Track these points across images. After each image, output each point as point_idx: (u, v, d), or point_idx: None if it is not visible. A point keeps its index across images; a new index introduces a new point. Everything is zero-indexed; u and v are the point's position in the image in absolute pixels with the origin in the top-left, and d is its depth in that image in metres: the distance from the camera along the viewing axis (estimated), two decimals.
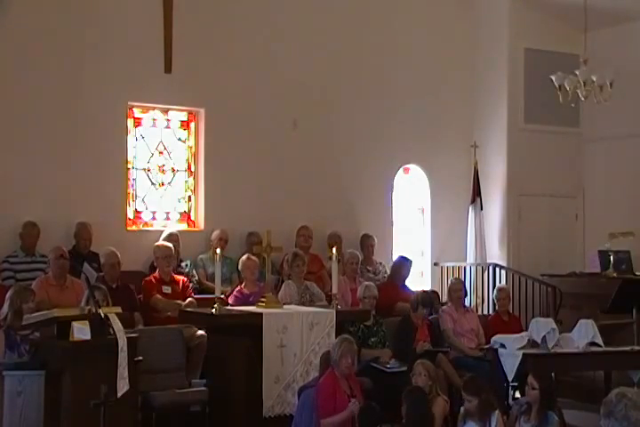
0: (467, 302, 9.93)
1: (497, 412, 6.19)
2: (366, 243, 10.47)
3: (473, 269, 11.19)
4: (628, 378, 8.08)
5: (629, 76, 10.77)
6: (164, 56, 9.65)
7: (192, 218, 10.11)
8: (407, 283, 9.99)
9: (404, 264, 9.94)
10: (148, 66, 9.60)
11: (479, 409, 6.07)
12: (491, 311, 10.19)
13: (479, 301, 10.89)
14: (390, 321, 8.88)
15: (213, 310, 7.23)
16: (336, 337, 7.16)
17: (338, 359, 6.43)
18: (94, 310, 6.13)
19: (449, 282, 9.89)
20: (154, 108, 9.95)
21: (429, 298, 9.01)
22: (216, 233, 9.67)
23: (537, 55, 11.67)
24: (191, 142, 10.15)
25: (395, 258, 10.51)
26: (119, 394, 5.89)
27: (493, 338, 8.28)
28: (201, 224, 10.00)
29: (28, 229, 8.74)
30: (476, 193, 11.35)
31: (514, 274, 10.98)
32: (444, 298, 9.98)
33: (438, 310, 9.24)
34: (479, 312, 10.33)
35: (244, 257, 8.64)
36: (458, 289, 9.34)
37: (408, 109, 11.29)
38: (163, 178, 10.01)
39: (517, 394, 7.86)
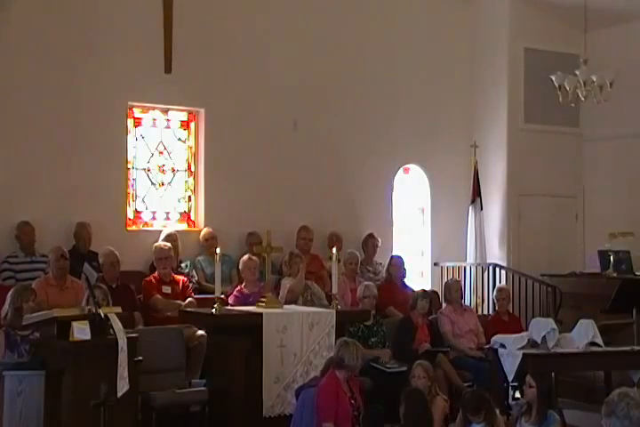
0: (467, 302, 9.92)
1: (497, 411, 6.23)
2: (370, 242, 10.45)
3: (473, 269, 11.19)
4: (628, 378, 8.08)
5: (629, 76, 10.78)
6: (164, 56, 9.65)
7: (192, 218, 10.11)
8: (408, 283, 10.02)
9: (390, 263, 9.94)
10: (148, 66, 9.59)
11: (486, 419, 6.09)
12: (491, 311, 10.20)
13: (479, 301, 10.90)
14: (390, 321, 8.89)
15: (213, 310, 7.23)
16: (336, 337, 7.18)
17: (355, 364, 6.46)
18: (94, 310, 6.13)
19: (446, 282, 9.88)
20: (154, 108, 9.95)
21: (428, 292, 9.04)
22: (202, 234, 9.71)
23: (537, 55, 11.67)
24: (191, 142, 10.15)
25: None
26: (119, 394, 5.90)
27: (493, 338, 8.28)
28: (201, 224, 10.00)
29: (22, 229, 8.73)
30: (476, 193, 11.34)
31: (514, 274, 10.98)
32: (443, 298, 9.97)
33: (438, 310, 9.26)
34: (479, 312, 10.34)
35: (246, 257, 8.63)
36: (455, 289, 9.35)
37: (408, 109, 11.29)
38: (163, 178, 10.01)
39: (517, 394, 7.86)
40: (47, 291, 7.76)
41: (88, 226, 9.02)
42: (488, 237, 11.47)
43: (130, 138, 9.72)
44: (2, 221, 8.73)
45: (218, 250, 7.67)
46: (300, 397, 6.57)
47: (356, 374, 6.65)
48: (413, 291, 9.37)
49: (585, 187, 12.18)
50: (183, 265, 9.37)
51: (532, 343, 8.02)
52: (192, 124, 10.15)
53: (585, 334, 8.10)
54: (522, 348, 7.93)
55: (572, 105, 9.96)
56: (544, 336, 7.97)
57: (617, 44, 11.42)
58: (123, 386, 5.98)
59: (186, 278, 8.82)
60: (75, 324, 6.02)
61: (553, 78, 9.80)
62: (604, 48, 10.80)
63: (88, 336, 6.01)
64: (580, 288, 10.61)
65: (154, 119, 9.98)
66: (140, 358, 6.51)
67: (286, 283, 8.52)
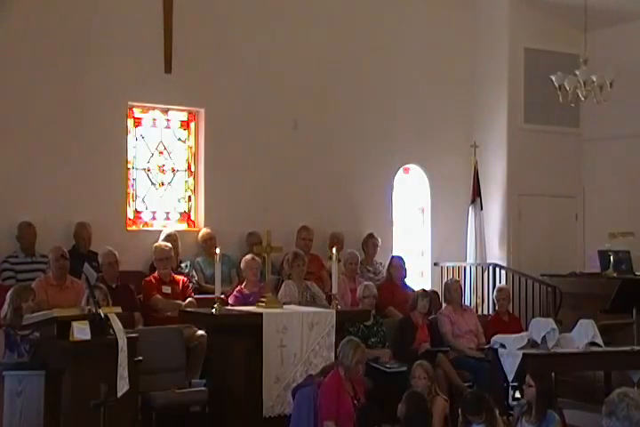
0: (467, 302, 9.90)
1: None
2: (370, 242, 10.44)
3: (473, 269, 11.19)
4: (628, 378, 8.08)
5: (629, 76, 10.78)
6: (164, 56, 9.65)
7: (192, 218, 10.11)
8: (408, 283, 10.02)
9: (390, 263, 9.94)
10: (148, 66, 9.60)
11: (486, 419, 6.09)
12: (491, 311, 10.19)
13: (479, 301, 10.90)
14: (390, 321, 8.89)
15: (213, 310, 7.22)
16: (336, 337, 7.18)
17: (353, 365, 6.42)
18: (94, 310, 6.13)
19: (446, 282, 9.87)
20: (154, 108, 9.95)
21: (428, 292, 9.04)
22: (200, 235, 9.70)
23: (537, 55, 11.67)
24: (191, 142, 10.15)
25: None
26: (119, 394, 5.89)
27: (493, 338, 8.27)
28: (201, 224, 10.00)
29: (23, 230, 8.73)
30: (476, 193, 11.35)
31: (514, 274, 10.98)
32: (443, 298, 9.97)
33: (438, 310, 9.25)
34: (479, 312, 10.34)
35: (249, 257, 8.61)
36: (455, 289, 9.34)
37: (408, 109, 11.29)
38: (163, 178, 10.01)
39: (517, 394, 7.86)
40: (47, 291, 7.77)
41: (88, 226, 9.02)
42: (488, 237, 11.47)
43: (130, 138, 9.72)
44: (2, 221, 8.74)
45: (217, 250, 7.65)
46: (295, 397, 6.56)
47: (358, 377, 6.60)
48: (413, 291, 9.37)
49: (585, 187, 12.18)
50: (183, 265, 9.36)
51: (532, 343, 8.01)
52: (192, 124, 10.15)
53: (585, 334, 8.10)
54: (522, 348, 7.93)
55: (572, 105, 9.97)
56: (544, 336, 7.97)
57: (617, 44, 11.42)
58: (123, 386, 5.97)
59: (186, 278, 8.82)
60: (75, 324, 6.02)
61: (553, 78, 9.80)
62: (604, 48, 10.80)
63: (88, 336, 6.01)
64: (580, 288, 10.61)
65: (154, 119, 9.98)
66: (140, 358, 6.50)
67: (285, 289, 8.47)
